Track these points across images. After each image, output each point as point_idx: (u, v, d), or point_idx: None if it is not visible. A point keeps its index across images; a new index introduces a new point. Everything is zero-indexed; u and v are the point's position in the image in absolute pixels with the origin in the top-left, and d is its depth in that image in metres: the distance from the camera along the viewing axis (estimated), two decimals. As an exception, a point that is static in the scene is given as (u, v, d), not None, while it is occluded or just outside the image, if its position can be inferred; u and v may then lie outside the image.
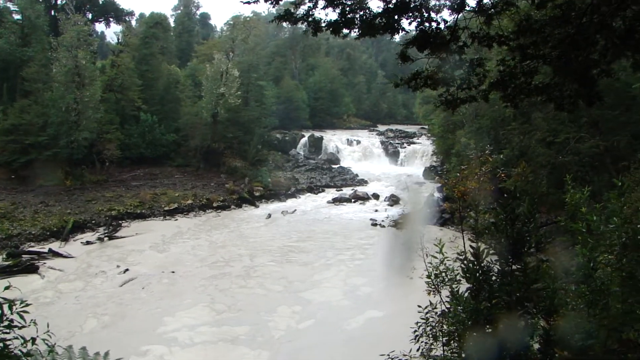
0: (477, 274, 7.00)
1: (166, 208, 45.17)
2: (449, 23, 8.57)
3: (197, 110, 58.23)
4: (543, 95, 9.22)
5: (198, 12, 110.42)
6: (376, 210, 47.79)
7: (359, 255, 34.51)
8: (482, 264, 7.01)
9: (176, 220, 43.68)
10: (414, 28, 8.56)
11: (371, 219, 44.02)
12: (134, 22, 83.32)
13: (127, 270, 30.89)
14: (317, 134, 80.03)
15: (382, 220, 42.96)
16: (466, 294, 7.39)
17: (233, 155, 57.85)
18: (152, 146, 56.61)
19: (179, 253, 34.37)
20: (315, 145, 75.71)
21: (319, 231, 40.73)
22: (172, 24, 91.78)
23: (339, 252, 35.02)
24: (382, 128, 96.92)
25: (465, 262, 7.31)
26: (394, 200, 50.78)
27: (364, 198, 52.50)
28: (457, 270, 8.33)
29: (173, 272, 30.79)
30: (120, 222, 41.32)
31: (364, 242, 37.70)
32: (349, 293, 27.97)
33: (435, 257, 8.80)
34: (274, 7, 8.78)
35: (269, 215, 45.60)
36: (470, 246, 7.26)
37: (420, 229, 10.38)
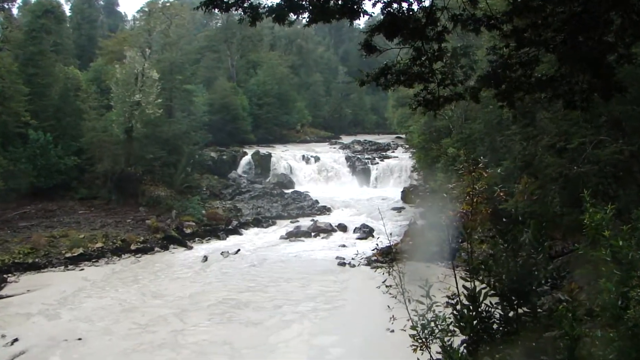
0: (474, 322, 7.01)
1: (68, 255, 44.35)
2: (423, 3, 8.70)
3: (106, 124, 57.68)
4: (548, 90, 9.37)
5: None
6: (344, 246, 47.95)
7: (324, 306, 34.41)
8: (480, 309, 7.03)
9: (82, 270, 42.86)
10: (380, 10, 8.64)
11: (338, 258, 44.08)
12: (15, 11, 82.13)
13: (15, 340, 30.01)
14: (263, 150, 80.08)
15: (352, 259, 42.96)
16: (462, 349, 7.39)
17: (155, 181, 57.43)
18: (46, 174, 55.69)
19: (85, 315, 33.56)
20: (262, 165, 75.63)
21: (271, 277, 40.54)
22: (68, 13, 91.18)
23: (299, 304, 34.88)
24: (346, 139, 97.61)
25: (458, 307, 7.33)
26: (365, 231, 51.05)
27: (327, 231, 52.62)
28: (449, 318, 8.35)
29: (80, 339, 30.08)
30: (5, 276, 40.27)
31: (330, 288, 37.69)
32: (317, 359, 27.79)
33: (421, 303, 8.80)
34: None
35: (205, 259, 45.21)
36: (464, 287, 7.29)
37: (401, 267, 10.42)
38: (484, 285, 7.20)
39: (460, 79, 9.23)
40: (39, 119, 56.91)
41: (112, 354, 28.90)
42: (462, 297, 7.43)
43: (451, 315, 7.98)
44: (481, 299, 7.09)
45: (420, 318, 8.74)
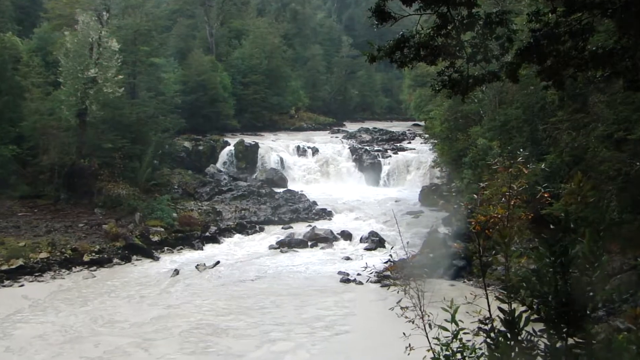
0: (513, 354, 6.97)
1: (4, 267, 44.03)
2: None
3: (53, 106, 57.48)
4: (605, 67, 9.31)
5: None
6: (348, 259, 48.06)
7: (323, 333, 34.32)
8: (520, 337, 6.99)
9: (21, 286, 42.55)
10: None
11: (340, 273, 44.08)
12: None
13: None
14: (248, 139, 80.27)
15: (358, 274, 42.96)
16: (496, 387, 7.36)
17: (114, 177, 57.24)
18: (-24, 166, 55.38)
19: (27, 342, 33.34)
20: (247, 157, 75.72)
21: (257, 296, 40.45)
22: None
23: (292, 331, 34.75)
24: (352, 127, 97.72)
25: (492, 335, 7.29)
26: (374, 241, 51.05)
27: (327, 239, 52.66)
28: (479, 348, 8.35)
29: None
30: None
31: (331, 311, 37.66)
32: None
33: (445, 330, 8.78)
34: None
35: (176, 272, 45.10)
36: (500, 309, 7.24)
37: (419, 285, 10.33)
38: (524, 309, 7.14)
39: (495, 54, 9.17)
40: (-32, 99, 56.55)
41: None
42: (497, 323, 7.38)
43: (482, 344, 7.94)
44: (521, 324, 7.02)
45: (444, 348, 8.73)
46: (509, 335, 6.98)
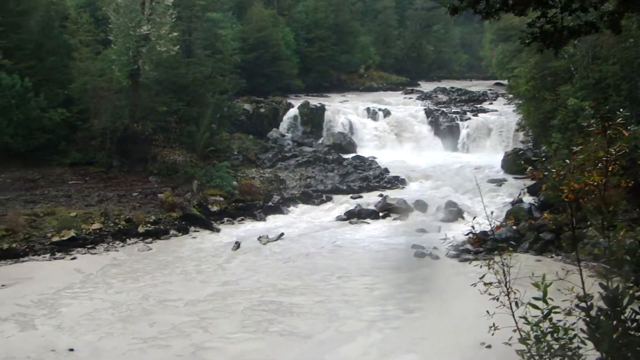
0: (615, 335, 6.84)
1: (55, 239, 44.90)
2: None
3: (103, 66, 58.11)
4: None
5: None
6: (423, 231, 47.91)
7: (396, 312, 34.29)
8: (624, 316, 6.85)
9: (74, 259, 43.43)
10: None
11: (415, 246, 43.97)
12: None
13: (-11, 350, 30.72)
14: (314, 101, 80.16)
15: (435, 248, 42.86)
16: (596, 372, 7.27)
17: (170, 143, 57.85)
18: (25, 131, 56.28)
19: (75, 321, 33.79)
20: (313, 121, 75.66)
21: (324, 272, 40.63)
22: None
23: (363, 310, 34.75)
24: (427, 87, 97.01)
25: (590, 314, 7.17)
26: (452, 212, 50.84)
27: (400, 210, 52.59)
28: (574, 329, 8.27)
29: (72, 350, 30.52)
30: (-27, 266, 41.16)
31: (406, 287, 37.56)
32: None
33: (536, 308, 8.68)
34: None
35: (237, 246, 45.52)
36: (601, 285, 7.11)
37: (503, 259, 10.17)
38: (628, 285, 7.01)
39: (594, 1, 8.94)
40: (14, 59, 57.31)
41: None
42: (596, 301, 7.26)
43: (575, 325, 7.85)
44: (625, 302, 6.89)
45: (534, 329, 8.64)
46: (610, 314, 6.86)
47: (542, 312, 8.59)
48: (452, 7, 8.87)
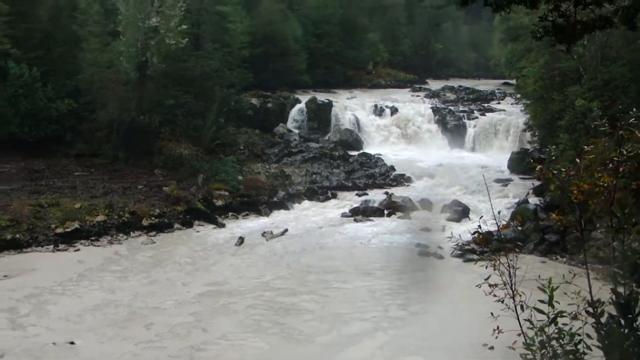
0: (627, 342, 6.63)
1: (59, 230, 44.89)
2: None
3: (111, 57, 58.11)
4: None
5: None
6: (427, 230, 47.80)
7: (399, 312, 34.21)
8: (636, 324, 6.63)
9: (77, 251, 43.47)
10: None
11: (419, 245, 43.87)
12: None
13: (-11, 341, 30.64)
14: (321, 96, 80.00)
15: (439, 247, 42.70)
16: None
17: (176, 136, 57.74)
18: (31, 121, 56.51)
19: (77, 314, 33.75)
20: (319, 117, 75.52)
21: (328, 269, 40.55)
22: None
23: (366, 310, 34.61)
24: (435, 85, 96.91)
25: (600, 321, 6.94)
26: (457, 211, 50.64)
27: (405, 208, 52.42)
28: (579, 334, 8.09)
29: (72, 343, 30.44)
30: (-24, 256, 41.12)
31: (410, 287, 37.45)
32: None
33: (541, 312, 8.47)
34: None
35: (240, 241, 45.48)
36: (613, 291, 6.88)
37: (509, 261, 10.02)
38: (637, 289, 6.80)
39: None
40: (22, 48, 57.43)
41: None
42: (605, 306, 7.03)
43: (581, 330, 7.64)
44: (638, 310, 6.67)
45: (538, 333, 8.44)
46: (621, 320, 6.66)
47: (548, 317, 8.39)
48: (461, -1, 8.69)
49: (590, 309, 7.29)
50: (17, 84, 55.94)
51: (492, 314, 10.00)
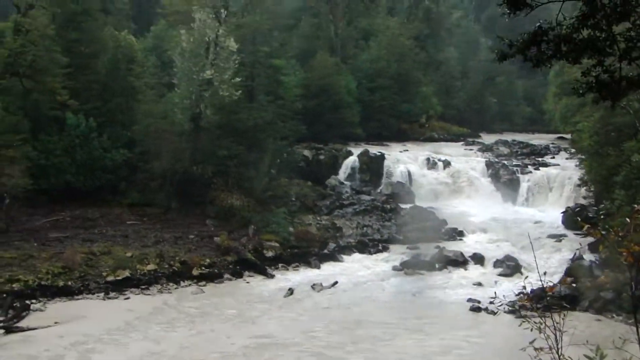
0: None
1: (110, 278, 45.28)
2: None
3: (166, 109, 58.73)
4: None
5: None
6: (480, 285, 47.27)
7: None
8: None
9: (127, 299, 43.77)
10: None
11: (471, 300, 43.29)
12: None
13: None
14: (373, 149, 79.87)
15: (491, 302, 41.99)
16: None
17: (228, 187, 58.00)
18: (87, 171, 57.14)
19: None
20: (372, 169, 75.39)
21: (376, 324, 40.07)
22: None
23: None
24: (488, 139, 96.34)
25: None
26: (510, 266, 49.98)
27: (457, 262, 51.94)
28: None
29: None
30: (28, 302, 41.32)
31: (459, 344, 36.96)
32: None
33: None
34: None
35: (290, 292, 45.44)
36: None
37: (559, 320, 9.67)
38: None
39: (656, 50, 8.45)
40: (80, 99, 58.19)
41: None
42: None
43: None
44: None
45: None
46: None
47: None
48: (501, 52, 8.45)
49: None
50: (74, 134, 56.74)
51: (536, 379, 9.65)
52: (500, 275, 49.20)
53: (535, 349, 9.67)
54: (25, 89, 56.67)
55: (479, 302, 42.77)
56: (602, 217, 46.74)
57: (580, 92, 8.76)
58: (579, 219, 47.96)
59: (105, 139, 58.02)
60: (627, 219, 9.94)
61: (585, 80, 8.56)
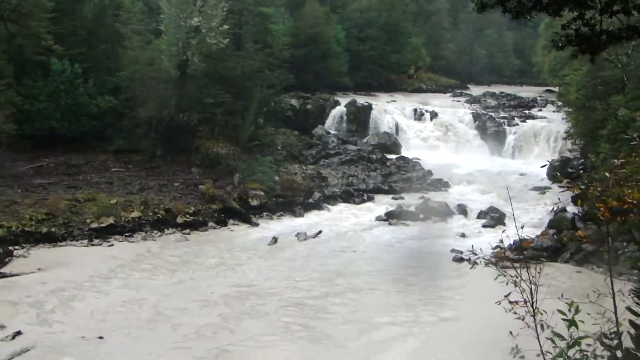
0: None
1: (94, 225, 45.22)
2: None
3: (153, 56, 58.30)
4: None
5: None
6: (463, 235, 47.42)
7: (428, 317, 33.77)
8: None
9: (111, 246, 43.71)
10: None
11: (454, 251, 43.31)
12: None
13: (18, 334, 30.56)
14: (361, 99, 79.95)
15: (473, 253, 42.03)
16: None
17: (214, 135, 57.91)
18: (72, 117, 56.75)
19: (107, 309, 33.62)
20: (359, 119, 75.40)
21: (358, 273, 40.15)
22: None
23: (397, 314, 34.12)
24: (476, 91, 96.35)
25: (616, 355, 6.47)
26: (494, 217, 50.22)
27: (441, 213, 52.09)
28: (602, 356, 7.70)
29: (101, 337, 30.29)
30: (11, 248, 41.21)
31: (440, 293, 37.01)
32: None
33: (561, 337, 8.00)
34: None
35: (274, 241, 45.46)
36: (631, 323, 6.40)
37: (533, 277, 9.60)
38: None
39: (638, 3, 8.25)
40: (66, 45, 57.35)
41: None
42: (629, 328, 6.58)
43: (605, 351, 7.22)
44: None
45: (562, 355, 8.03)
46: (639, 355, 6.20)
47: (568, 343, 7.93)
48: (480, 3, 8.24)
49: (606, 339, 6.81)
50: (58, 79, 56.19)
51: (511, 332, 9.61)
52: (484, 226, 49.38)
53: (510, 302, 9.60)
54: (10, 33, 55.66)
55: (461, 252, 42.66)
56: (581, 170, 46.91)
57: (560, 45, 8.59)
58: (558, 173, 48.11)
59: (91, 85, 57.49)
60: (607, 174, 9.85)
61: (565, 33, 8.39)
